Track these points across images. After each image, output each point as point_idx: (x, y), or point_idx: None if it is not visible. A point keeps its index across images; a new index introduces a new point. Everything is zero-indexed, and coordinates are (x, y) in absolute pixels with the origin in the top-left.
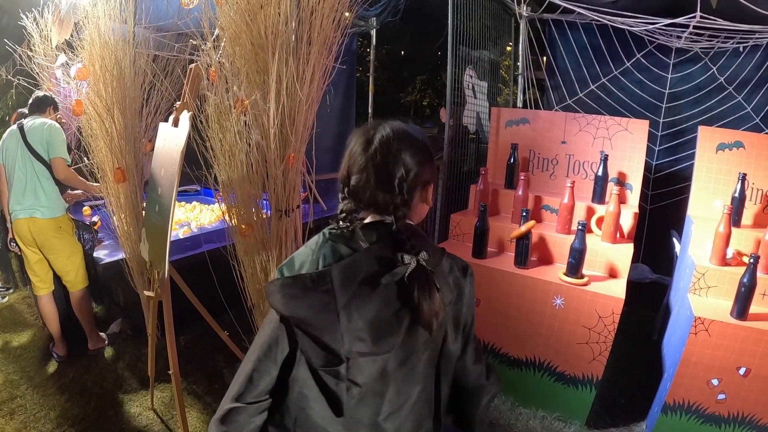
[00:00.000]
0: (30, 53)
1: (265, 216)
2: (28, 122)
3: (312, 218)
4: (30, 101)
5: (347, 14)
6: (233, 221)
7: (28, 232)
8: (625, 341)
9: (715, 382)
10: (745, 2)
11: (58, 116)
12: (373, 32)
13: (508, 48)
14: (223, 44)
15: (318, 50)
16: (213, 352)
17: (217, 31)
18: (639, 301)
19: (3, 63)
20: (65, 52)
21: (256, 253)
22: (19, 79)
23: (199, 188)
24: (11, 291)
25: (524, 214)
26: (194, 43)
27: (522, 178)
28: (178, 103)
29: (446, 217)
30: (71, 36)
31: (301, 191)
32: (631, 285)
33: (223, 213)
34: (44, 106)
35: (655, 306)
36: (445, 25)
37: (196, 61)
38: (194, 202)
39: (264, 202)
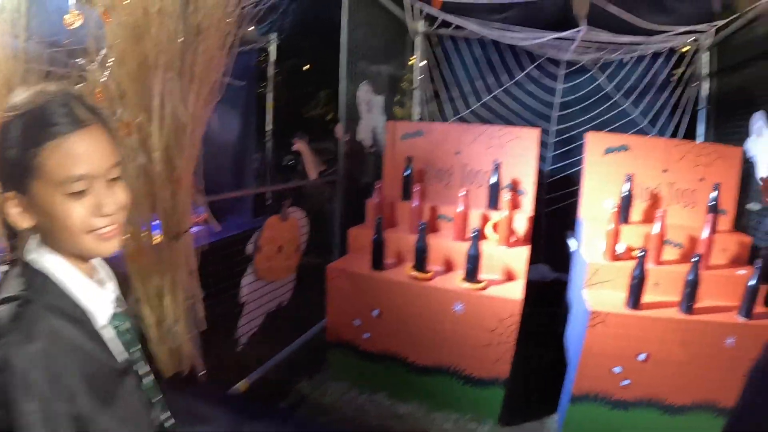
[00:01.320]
0: None
1: (158, 239)
2: None
3: (207, 239)
4: None
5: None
6: (124, 247)
7: None
8: (532, 339)
9: (617, 369)
10: (617, 14)
11: None
12: (273, 48)
13: (410, 61)
14: (109, 64)
15: (203, 69)
16: None
17: (104, 51)
18: (543, 299)
19: None
20: None
21: (148, 279)
22: None
23: None
24: None
25: (421, 227)
26: (81, 62)
27: (416, 189)
28: None
29: (344, 231)
30: None
31: (201, 211)
32: (534, 285)
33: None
34: None
35: (559, 303)
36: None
37: (83, 81)
38: None
39: (155, 225)
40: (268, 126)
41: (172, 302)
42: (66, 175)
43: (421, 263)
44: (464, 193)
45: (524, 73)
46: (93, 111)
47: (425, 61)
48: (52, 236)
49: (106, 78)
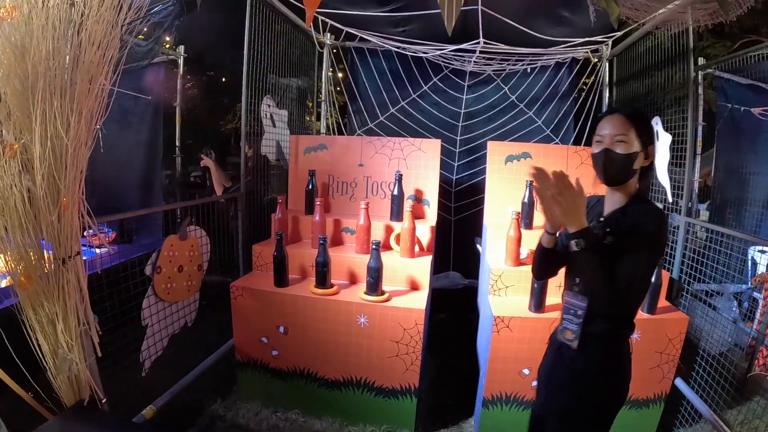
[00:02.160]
0: None
1: (47, 265)
2: None
3: (102, 262)
4: None
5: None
6: (14, 274)
7: None
8: (444, 345)
9: (526, 371)
10: (513, 26)
11: None
12: (180, 60)
13: (318, 75)
14: None
15: (84, 88)
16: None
17: None
18: (455, 306)
19: None
20: None
21: (40, 306)
22: None
23: None
24: None
25: (321, 241)
26: None
27: (318, 203)
28: None
29: (249, 248)
30: None
31: (108, 231)
32: (446, 292)
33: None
34: None
35: (471, 309)
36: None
37: None
38: None
39: (46, 250)
40: (177, 141)
41: (65, 329)
42: None
43: (323, 278)
44: (365, 205)
45: (430, 84)
46: None
47: (331, 74)
48: None
49: None
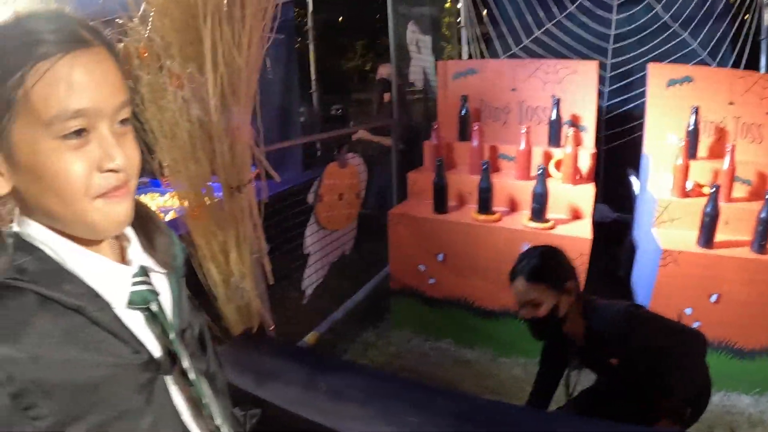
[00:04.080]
0: None
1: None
2: None
3: (267, 192)
4: None
5: None
6: (185, 205)
7: None
8: (592, 280)
9: (688, 311)
10: None
11: None
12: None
13: (447, 5)
14: (151, 18)
15: (253, 12)
16: None
17: (143, 5)
18: (602, 240)
19: None
20: None
21: (212, 236)
22: None
23: (147, 180)
24: None
25: (484, 166)
26: (120, 22)
27: (476, 128)
28: None
29: (401, 176)
30: None
31: (252, 168)
32: (595, 225)
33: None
34: None
35: (618, 243)
36: None
37: (124, 42)
38: (148, 194)
39: (214, 180)
40: (313, 77)
41: (238, 258)
42: (58, 110)
43: (485, 204)
44: (525, 130)
45: (576, 3)
46: (95, 32)
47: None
48: (40, 205)
49: (148, 32)
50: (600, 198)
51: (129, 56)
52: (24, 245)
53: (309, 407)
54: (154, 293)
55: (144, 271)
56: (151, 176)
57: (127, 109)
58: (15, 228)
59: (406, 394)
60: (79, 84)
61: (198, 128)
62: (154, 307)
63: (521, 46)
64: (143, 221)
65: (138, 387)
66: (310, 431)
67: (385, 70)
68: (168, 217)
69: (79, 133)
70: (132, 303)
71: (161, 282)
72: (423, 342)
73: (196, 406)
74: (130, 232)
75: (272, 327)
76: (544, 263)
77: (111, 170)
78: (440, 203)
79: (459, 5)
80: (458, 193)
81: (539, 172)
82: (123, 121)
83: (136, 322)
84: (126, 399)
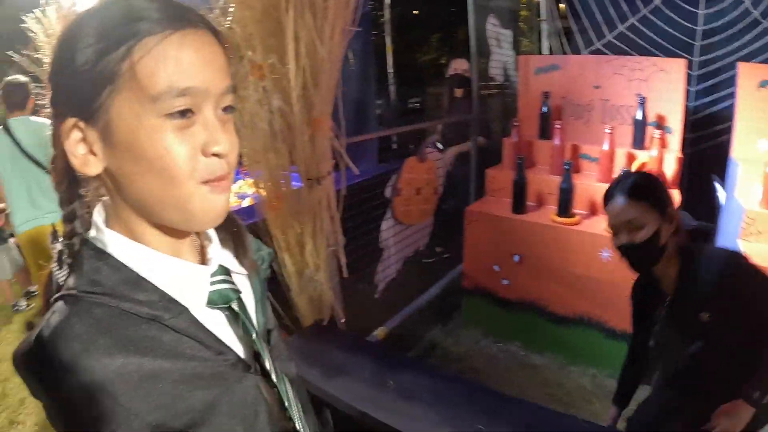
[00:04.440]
0: (35, 54)
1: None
2: (15, 123)
3: (345, 184)
4: (6, 94)
5: None
6: (262, 194)
7: (34, 244)
8: None
9: None
10: None
11: (39, 109)
12: None
13: None
14: (231, 9)
15: (336, 2)
16: None
17: None
18: None
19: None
20: None
21: (289, 227)
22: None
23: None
24: None
25: (566, 167)
26: (200, 13)
27: (558, 126)
28: None
29: (480, 172)
30: None
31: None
32: None
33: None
34: (24, 99)
35: None
36: None
37: None
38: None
39: (293, 172)
40: (390, 70)
41: (314, 250)
42: (166, 86)
43: (565, 206)
44: (610, 130)
45: None
46: (202, 17)
47: None
48: (136, 188)
49: (229, 23)
50: (681, 204)
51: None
52: (97, 253)
53: (375, 404)
54: (236, 291)
55: (224, 270)
56: None
57: (232, 97)
58: (92, 233)
59: (475, 400)
60: (188, 62)
61: (278, 119)
62: (235, 306)
63: (604, 41)
64: (228, 222)
65: (223, 388)
66: (375, 429)
67: (459, 65)
68: (245, 203)
69: (185, 113)
70: (211, 302)
71: (243, 282)
72: (492, 343)
73: (278, 407)
74: (211, 230)
75: (343, 320)
76: (646, 181)
77: (215, 155)
78: (519, 203)
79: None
80: (537, 193)
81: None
82: (226, 109)
83: (217, 323)
84: (209, 401)
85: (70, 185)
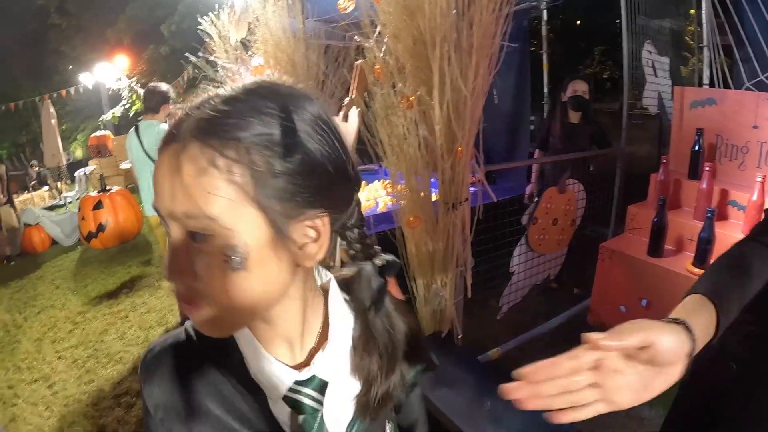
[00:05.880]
0: (210, 56)
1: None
2: (144, 126)
3: (481, 203)
4: (144, 97)
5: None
6: (402, 208)
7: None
8: None
9: None
10: None
11: (170, 111)
12: (543, 4)
13: (692, 11)
14: (386, 40)
15: (480, 41)
16: None
17: (379, 28)
18: None
19: (187, 63)
20: (242, 51)
21: (423, 245)
22: (199, 72)
23: (377, 167)
24: None
25: (709, 214)
26: (358, 40)
27: (707, 169)
28: (347, 99)
29: (623, 208)
30: (246, 35)
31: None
32: None
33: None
34: (157, 104)
35: None
36: None
37: (361, 59)
38: (375, 182)
39: (433, 191)
40: (545, 88)
41: (443, 269)
42: None
43: (703, 256)
44: (761, 178)
45: None
46: (197, 128)
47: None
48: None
49: (383, 54)
50: None
51: (364, 73)
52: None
53: (466, 421)
54: (315, 410)
55: (318, 385)
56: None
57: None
58: None
59: None
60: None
61: (423, 146)
62: (312, 403)
63: None
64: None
65: None
66: None
67: (579, 87)
68: (380, 207)
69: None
70: (287, 402)
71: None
72: None
73: None
74: (343, 336)
75: (460, 336)
76: None
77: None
78: (656, 246)
79: (702, 22)
80: (678, 236)
81: None
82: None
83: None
84: None
85: None
